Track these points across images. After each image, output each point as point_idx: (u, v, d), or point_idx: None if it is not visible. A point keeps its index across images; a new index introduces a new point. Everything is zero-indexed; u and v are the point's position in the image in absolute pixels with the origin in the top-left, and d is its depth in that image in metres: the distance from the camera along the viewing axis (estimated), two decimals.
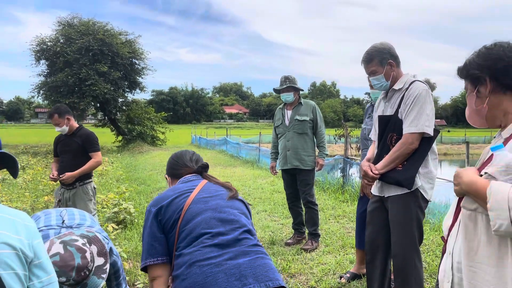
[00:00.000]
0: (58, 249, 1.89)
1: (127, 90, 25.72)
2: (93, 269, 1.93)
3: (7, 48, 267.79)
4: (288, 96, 4.72)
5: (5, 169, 1.65)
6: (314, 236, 4.71)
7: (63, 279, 1.83)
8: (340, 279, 3.68)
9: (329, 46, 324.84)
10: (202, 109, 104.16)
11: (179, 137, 30.69)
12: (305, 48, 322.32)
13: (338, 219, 5.99)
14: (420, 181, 2.63)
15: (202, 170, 2.06)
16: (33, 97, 24.96)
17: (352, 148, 9.32)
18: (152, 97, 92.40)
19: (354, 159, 8.45)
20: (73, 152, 4.28)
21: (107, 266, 1.98)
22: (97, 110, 26.91)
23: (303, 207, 4.90)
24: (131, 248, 4.72)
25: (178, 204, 1.78)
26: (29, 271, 1.43)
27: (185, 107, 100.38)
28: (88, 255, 1.92)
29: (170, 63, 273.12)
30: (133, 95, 26.78)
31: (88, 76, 22.06)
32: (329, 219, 5.96)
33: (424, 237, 3.01)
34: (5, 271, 1.31)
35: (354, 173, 8.06)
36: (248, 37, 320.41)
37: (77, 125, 4.41)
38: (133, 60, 24.82)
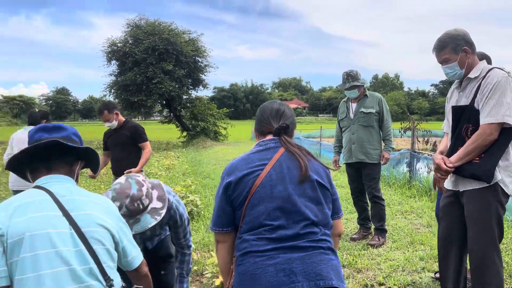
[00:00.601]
0: (121, 180, 2.13)
1: (191, 87, 26.51)
2: (148, 207, 2.09)
3: (81, 51, 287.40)
4: (352, 93, 4.64)
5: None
6: (381, 231, 4.60)
7: (117, 204, 2.05)
8: (435, 274, 3.52)
9: (392, 37, 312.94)
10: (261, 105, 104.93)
11: (240, 132, 31.16)
12: (366, 40, 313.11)
13: (405, 214, 5.79)
14: (500, 175, 2.48)
15: (280, 131, 1.82)
16: (105, 95, 26.65)
17: (419, 141, 8.93)
18: (213, 94, 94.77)
19: (422, 153, 8.11)
20: (123, 145, 4.57)
21: (164, 211, 2.13)
22: (163, 107, 28.06)
23: (368, 201, 4.80)
24: (198, 239, 4.90)
25: (247, 184, 1.71)
26: (122, 249, 1.63)
27: (245, 103, 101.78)
28: (144, 189, 2.11)
29: (230, 60, 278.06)
30: (197, 92, 27.59)
31: (155, 74, 23.06)
32: (395, 215, 5.78)
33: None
34: (98, 246, 1.51)
35: (421, 167, 7.73)
36: (307, 31, 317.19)
37: (124, 119, 4.66)
38: (196, 58, 25.50)
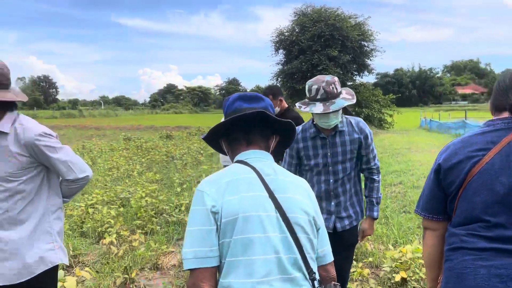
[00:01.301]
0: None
1: (355, 73, 26.02)
2: (340, 95, 2.48)
3: (249, 44, 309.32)
4: None
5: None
6: None
7: (315, 87, 2.45)
8: None
9: None
10: (430, 91, 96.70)
11: (406, 120, 29.25)
12: None
13: None
14: None
15: None
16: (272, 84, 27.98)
17: None
18: (376, 80, 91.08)
19: None
20: None
21: (354, 101, 2.52)
22: None
23: None
24: None
25: (461, 171, 1.45)
26: (318, 238, 1.47)
27: (411, 89, 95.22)
28: (336, 79, 2.51)
29: (394, 44, 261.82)
30: (361, 77, 26.97)
31: (320, 61, 23.32)
32: None
33: None
34: (302, 235, 1.38)
35: None
36: (487, 6, 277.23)
37: (286, 106, 4.44)
38: (362, 42, 24.85)
